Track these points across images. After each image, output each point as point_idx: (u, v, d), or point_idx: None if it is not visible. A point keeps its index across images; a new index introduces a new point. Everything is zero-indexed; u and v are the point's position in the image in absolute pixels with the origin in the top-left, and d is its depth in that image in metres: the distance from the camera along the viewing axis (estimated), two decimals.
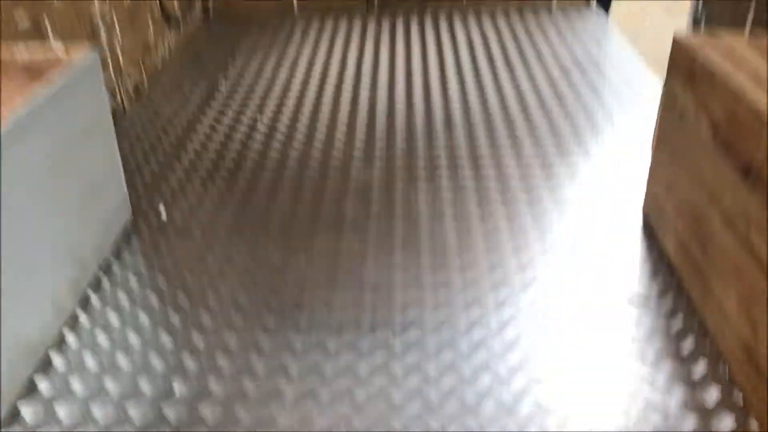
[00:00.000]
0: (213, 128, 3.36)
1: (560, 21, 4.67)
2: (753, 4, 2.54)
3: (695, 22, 3.16)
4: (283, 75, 3.97)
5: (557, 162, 2.95)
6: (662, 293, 2.13)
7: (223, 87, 3.83)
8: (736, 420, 1.71)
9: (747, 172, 1.74)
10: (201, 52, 4.38)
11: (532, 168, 2.91)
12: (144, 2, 3.81)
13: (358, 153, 3.07)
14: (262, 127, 3.36)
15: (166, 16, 4.16)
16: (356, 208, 2.67)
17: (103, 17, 3.29)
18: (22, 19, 2.70)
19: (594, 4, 4.90)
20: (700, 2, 3.09)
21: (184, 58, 4.28)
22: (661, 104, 2.33)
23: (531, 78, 3.81)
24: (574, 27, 4.56)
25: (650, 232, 2.42)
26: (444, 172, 2.90)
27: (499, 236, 2.46)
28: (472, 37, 4.45)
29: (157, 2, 4.03)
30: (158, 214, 2.67)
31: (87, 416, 1.77)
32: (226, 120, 3.44)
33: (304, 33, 4.63)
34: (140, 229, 2.58)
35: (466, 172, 2.90)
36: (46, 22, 2.81)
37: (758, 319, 1.68)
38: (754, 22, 2.58)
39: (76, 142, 2.16)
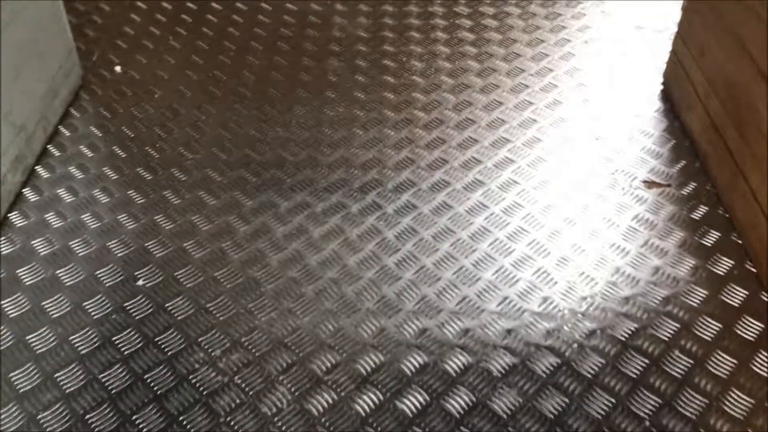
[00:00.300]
0: None
1: None
2: None
3: None
4: None
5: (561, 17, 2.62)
6: (685, 175, 1.92)
7: None
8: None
9: None
10: None
11: (538, 15, 2.58)
12: None
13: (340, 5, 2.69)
14: None
15: None
16: (341, 65, 2.35)
17: None
18: None
19: None
20: None
21: None
22: None
23: None
24: None
25: (670, 102, 2.16)
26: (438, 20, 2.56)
27: (501, 98, 2.19)
28: None
29: None
30: (112, 69, 2.33)
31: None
32: None
33: None
34: (91, 88, 2.25)
35: (464, 21, 2.56)
36: None
37: None
38: None
39: None
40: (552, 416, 1.37)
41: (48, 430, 1.34)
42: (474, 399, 1.40)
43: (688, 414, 1.38)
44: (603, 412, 1.38)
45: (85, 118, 2.12)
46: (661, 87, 2.25)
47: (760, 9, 1.64)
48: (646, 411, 1.38)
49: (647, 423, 1.36)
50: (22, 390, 1.41)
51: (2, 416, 1.36)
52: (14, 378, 1.43)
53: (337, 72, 2.33)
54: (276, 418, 1.37)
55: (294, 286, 1.63)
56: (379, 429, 1.35)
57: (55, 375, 1.43)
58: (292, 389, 1.41)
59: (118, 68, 2.33)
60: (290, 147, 2.02)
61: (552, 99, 2.22)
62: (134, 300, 1.58)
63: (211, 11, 2.63)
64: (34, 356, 1.47)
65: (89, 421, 1.36)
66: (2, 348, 1.48)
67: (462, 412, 1.37)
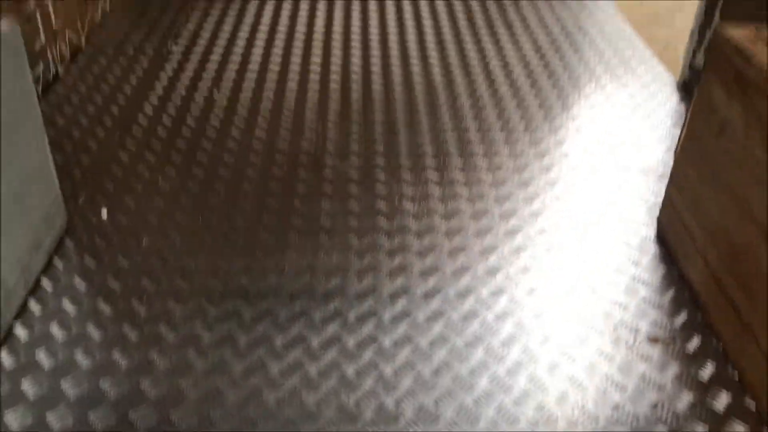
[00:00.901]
0: (162, 103, 2.93)
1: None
2: None
3: (707, 10, 2.84)
4: (243, 34, 3.52)
5: (552, 146, 2.64)
6: (686, 329, 1.87)
7: (174, 50, 3.37)
8: None
9: None
10: (147, 6, 3.87)
11: (526, 155, 2.59)
12: None
13: (331, 145, 2.70)
14: (219, 101, 2.95)
15: None
16: (334, 207, 2.32)
17: None
18: None
19: None
20: None
21: (127, 12, 3.77)
22: (693, 111, 2.02)
23: (516, 46, 3.46)
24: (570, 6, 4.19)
25: (666, 247, 2.15)
26: (430, 161, 2.57)
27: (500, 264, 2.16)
28: (454, 10, 4.05)
29: None
30: (98, 213, 2.28)
31: None
32: (177, 93, 3.01)
33: None
34: (77, 234, 2.19)
35: (455, 159, 2.57)
36: None
37: None
38: None
39: None
40: None
41: None
42: None
43: None
44: None
45: (69, 268, 2.05)
46: (656, 231, 2.24)
47: (760, 172, 1.65)
48: None
49: None
50: None
51: None
52: None
53: (330, 214, 2.30)
54: None
55: (291, 426, 1.52)
56: None
57: None
58: None
59: (104, 213, 2.28)
60: (282, 297, 1.96)
61: (547, 244, 2.19)
62: None
63: (201, 150, 2.62)
64: None
65: None
66: None
67: None
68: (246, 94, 2.99)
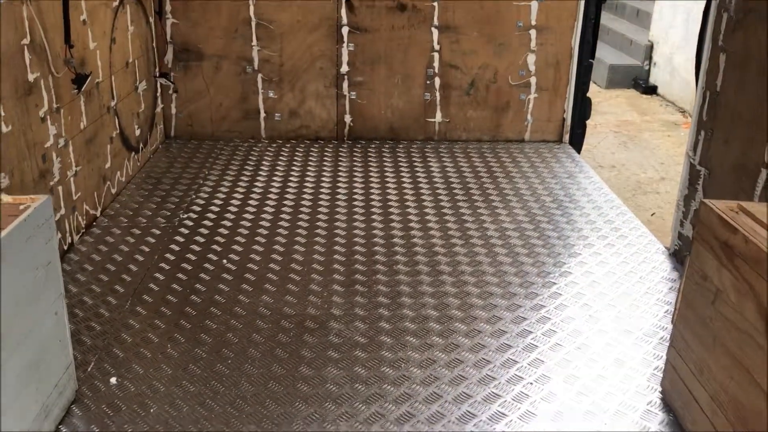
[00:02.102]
0: (173, 270, 3.03)
1: (533, 158, 4.57)
2: (765, 170, 2.41)
3: (691, 182, 3.04)
4: (252, 204, 3.69)
5: (549, 306, 2.70)
6: None
7: (184, 219, 3.52)
8: None
9: None
10: (161, 176, 4.08)
11: (529, 320, 2.65)
12: (104, 126, 3.54)
13: (337, 310, 2.77)
14: (228, 269, 3.05)
15: (125, 141, 3.89)
16: (339, 375, 2.34)
17: (56, 145, 2.99)
18: None
19: (567, 140, 4.84)
20: (698, 158, 2.99)
21: (142, 183, 3.97)
22: (686, 278, 2.12)
23: (512, 214, 3.63)
24: (548, 163, 4.46)
25: (672, 414, 2.16)
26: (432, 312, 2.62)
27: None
28: (446, 170, 4.30)
29: (118, 129, 3.76)
30: (107, 381, 2.29)
31: None
32: (188, 260, 3.12)
33: (274, 160, 4.40)
34: (85, 402, 2.19)
35: (459, 326, 2.62)
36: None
37: None
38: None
39: (17, 308, 1.80)
40: None
41: None
42: None
43: None
44: None
45: None
46: (660, 396, 2.26)
47: (757, 338, 1.71)
48: None
49: None
50: None
51: None
52: None
53: (337, 381, 2.32)
54: None
55: None
56: None
57: None
58: None
59: (113, 380, 2.29)
60: None
61: (552, 414, 2.20)
62: None
63: (210, 317, 2.68)
64: None
65: None
66: None
67: None
68: (253, 264, 3.10)
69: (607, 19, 10.46)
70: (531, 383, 2.33)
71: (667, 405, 2.21)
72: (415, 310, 2.76)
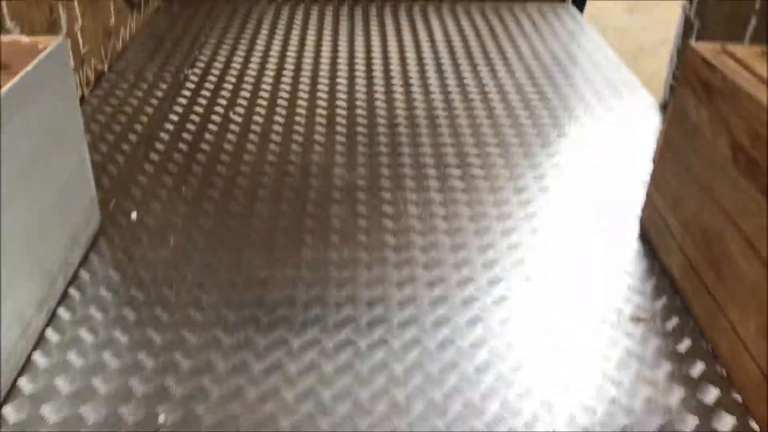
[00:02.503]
0: (182, 122, 3.16)
1: (536, 18, 4.58)
2: (754, 16, 2.48)
3: (685, 34, 3.09)
4: (254, 62, 3.77)
5: (544, 159, 2.86)
6: (667, 313, 2.07)
7: (190, 75, 3.61)
8: None
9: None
10: (164, 35, 4.13)
11: (521, 165, 2.82)
12: None
13: (340, 158, 2.92)
14: (235, 119, 3.17)
15: (128, 1, 3.91)
16: (342, 212, 2.53)
17: (63, 2, 3.05)
18: None
19: (570, 2, 4.82)
20: (693, 9, 3.03)
21: (146, 41, 4.03)
22: (668, 118, 2.25)
23: (511, 72, 3.71)
24: (550, 24, 4.48)
25: (648, 244, 2.35)
26: (430, 170, 2.79)
27: (492, 237, 2.36)
28: (448, 31, 4.32)
29: None
30: (128, 216, 2.48)
31: None
32: (195, 113, 3.24)
33: (275, 19, 4.42)
34: (110, 234, 2.39)
35: (454, 170, 2.79)
36: (3, 9, 2.56)
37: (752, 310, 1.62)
38: (753, 38, 2.52)
39: (43, 143, 1.95)
40: None
41: None
42: None
43: None
44: None
45: (104, 262, 2.24)
46: (639, 230, 2.45)
47: (724, 165, 1.87)
48: None
49: None
50: None
51: None
52: None
53: (339, 216, 2.51)
54: None
55: (308, 420, 1.69)
56: None
57: None
58: None
59: (134, 215, 2.48)
60: (299, 288, 2.15)
61: (541, 243, 2.40)
62: None
63: (220, 163, 2.84)
64: None
65: None
66: None
67: None
68: (258, 117, 3.22)
69: None
70: (520, 220, 2.51)
71: (644, 237, 2.40)
72: (414, 157, 2.91)
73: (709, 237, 1.94)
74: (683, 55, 2.15)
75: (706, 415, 1.74)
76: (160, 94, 3.41)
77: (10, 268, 1.75)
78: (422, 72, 3.74)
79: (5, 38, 2.05)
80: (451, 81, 3.63)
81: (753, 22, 2.50)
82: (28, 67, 1.88)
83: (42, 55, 1.95)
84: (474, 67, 3.81)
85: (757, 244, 1.72)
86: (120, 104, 3.29)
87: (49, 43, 2.02)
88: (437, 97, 3.46)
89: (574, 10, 4.74)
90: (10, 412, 1.71)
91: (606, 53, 4.04)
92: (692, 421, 1.73)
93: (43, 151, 1.94)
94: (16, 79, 1.79)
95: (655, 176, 2.33)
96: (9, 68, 1.87)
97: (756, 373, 1.72)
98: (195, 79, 3.57)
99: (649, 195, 2.38)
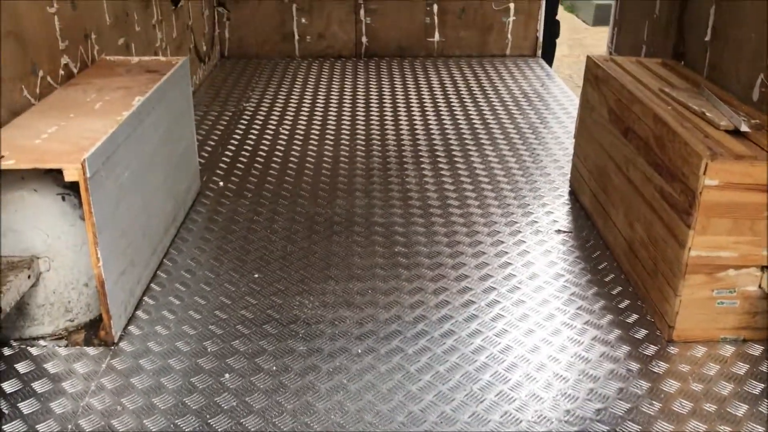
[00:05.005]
0: (243, 137, 4.31)
1: (512, 67, 5.76)
2: (644, 45, 3.65)
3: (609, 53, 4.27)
4: (292, 105, 4.94)
5: (511, 160, 3.95)
6: (579, 226, 3.13)
7: (241, 116, 4.79)
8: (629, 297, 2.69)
9: (626, 132, 2.76)
10: (221, 87, 5.33)
11: (494, 166, 3.91)
12: (186, 39, 4.78)
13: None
14: (273, 166, 4.32)
15: (198, 53, 5.14)
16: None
17: (161, 45, 4.26)
18: (120, 41, 3.65)
19: (539, 54, 6.03)
20: (614, 40, 4.20)
21: (208, 87, 5.24)
22: (580, 104, 3.38)
23: (491, 106, 4.85)
24: (525, 69, 5.66)
25: (573, 194, 3.43)
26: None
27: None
28: (442, 79, 5.50)
29: (193, 43, 5.01)
30: (216, 184, 3.59)
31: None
32: (250, 134, 4.40)
33: (306, 73, 5.63)
34: (207, 194, 3.49)
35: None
36: (132, 45, 3.76)
37: (633, 221, 2.67)
38: (647, 54, 3.68)
39: (174, 121, 3.09)
40: None
41: None
42: None
43: None
44: None
45: (204, 215, 3.33)
46: (569, 187, 3.52)
47: (605, 124, 2.98)
48: None
49: None
50: None
51: None
52: None
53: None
54: None
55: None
56: None
57: None
58: None
59: (221, 183, 3.59)
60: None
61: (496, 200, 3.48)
62: None
63: (272, 168, 3.96)
64: None
65: None
66: None
67: None
68: (292, 163, 4.36)
69: None
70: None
71: (572, 192, 3.47)
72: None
73: (600, 171, 3.03)
74: (587, 67, 3.29)
75: (603, 286, 2.78)
76: (225, 119, 4.58)
77: (156, 206, 2.85)
78: (424, 118, 4.66)
79: (155, 58, 3.22)
80: (448, 124, 4.65)
81: (644, 48, 3.66)
82: (168, 73, 3.03)
83: (175, 66, 3.12)
84: (465, 108, 4.87)
85: (622, 166, 2.81)
86: (198, 123, 4.46)
87: (179, 61, 3.19)
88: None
89: (542, 62, 5.94)
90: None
91: (568, 93, 5.19)
92: (592, 289, 2.76)
93: (173, 127, 3.08)
94: (161, 80, 2.93)
95: (575, 146, 3.44)
96: (158, 72, 3.02)
97: (623, 242, 2.77)
98: (242, 126, 4.74)
99: (573, 161, 3.47)
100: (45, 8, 2.77)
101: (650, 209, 2.52)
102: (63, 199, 2.28)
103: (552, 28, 6.04)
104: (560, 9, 6.05)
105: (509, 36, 5.98)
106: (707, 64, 3.00)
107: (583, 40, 9.82)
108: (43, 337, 2.36)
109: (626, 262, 2.76)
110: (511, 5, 5.86)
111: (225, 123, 4.48)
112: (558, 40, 6.36)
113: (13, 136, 2.31)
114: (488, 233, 3.09)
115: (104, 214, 2.27)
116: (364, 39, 5.96)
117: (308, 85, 5.30)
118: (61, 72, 2.90)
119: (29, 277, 2.22)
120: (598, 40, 9.47)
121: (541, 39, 6.00)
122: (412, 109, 4.87)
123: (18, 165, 2.13)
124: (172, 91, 3.05)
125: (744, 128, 2.36)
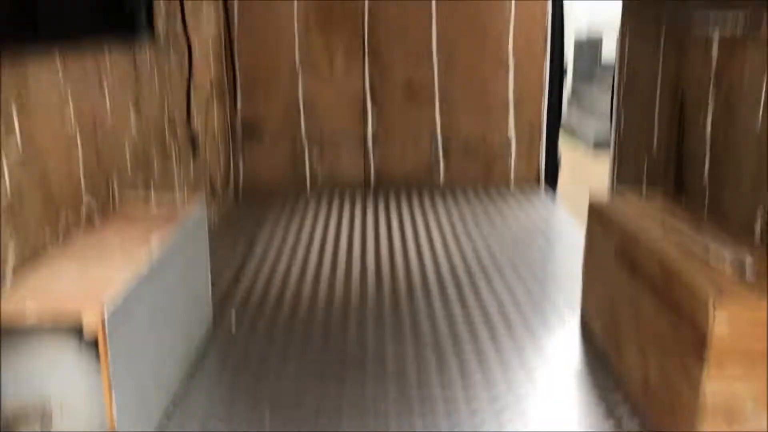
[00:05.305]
0: (253, 279, 4.39)
1: (518, 196, 5.92)
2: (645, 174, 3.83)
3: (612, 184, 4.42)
4: (303, 240, 5.05)
5: (523, 297, 3.99)
6: (595, 359, 3.13)
7: (254, 252, 4.89)
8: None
9: (634, 270, 2.81)
10: (235, 224, 5.47)
11: (505, 301, 3.94)
12: (203, 177, 4.99)
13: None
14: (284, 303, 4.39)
15: (213, 191, 5.33)
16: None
17: (179, 184, 4.44)
18: (137, 189, 3.80)
19: (542, 184, 6.21)
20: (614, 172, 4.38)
21: (223, 226, 5.38)
22: (585, 242, 3.46)
23: (487, 241, 4.91)
24: (529, 199, 5.82)
25: (585, 324, 3.44)
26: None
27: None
28: (449, 209, 5.64)
29: (209, 180, 5.21)
30: (229, 326, 3.62)
31: None
32: (259, 278, 4.48)
33: (317, 207, 5.79)
34: (216, 335, 3.52)
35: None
36: (152, 186, 3.92)
37: (648, 353, 2.66)
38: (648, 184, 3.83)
39: (190, 264, 3.17)
40: None
41: None
42: None
43: None
44: None
45: (214, 352, 3.35)
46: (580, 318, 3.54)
47: (611, 261, 3.04)
48: None
49: None
50: None
51: None
52: None
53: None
54: None
55: None
56: None
57: None
58: None
59: (233, 327, 3.63)
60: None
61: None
62: None
63: (286, 306, 4.02)
64: None
65: None
66: None
67: None
68: (305, 299, 4.43)
69: (593, 91, 11.97)
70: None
71: (583, 320, 3.49)
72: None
73: (610, 307, 3.06)
74: (590, 204, 3.40)
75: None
76: (236, 263, 4.67)
77: (170, 346, 2.89)
78: (432, 251, 4.74)
79: (172, 203, 3.35)
80: (456, 258, 4.67)
81: (645, 186, 3.82)
82: (188, 215, 3.15)
83: (195, 210, 3.24)
84: (472, 241, 4.93)
85: (629, 303, 2.84)
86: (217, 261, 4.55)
87: (196, 205, 3.32)
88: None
89: (543, 193, 6.10)
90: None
91: (572, 222, 5.30)
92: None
93: (189, 268, 3.16)
94: (180, 229, 3.04)
95: (583, 282, 3.49)
96: (175, 219, 3.14)
97: (639, 376, 2.75)
98: (257, 256, 4.85)
99: (582, 295, 3.51)
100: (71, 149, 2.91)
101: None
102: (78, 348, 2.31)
103: (553, 161, 6.25)
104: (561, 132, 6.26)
105: (512, 169, 6.17)
106: (707, 196, 3.11)
107: (586, 168, 10.11)
108: None
109: (641, 395, 2.73)
110: (513, 141, 6.10)
111: (238, 262, 4.57)
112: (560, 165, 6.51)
113: (28, 285, 2.37)
114: (501, 371, 3.09)
115: (120, 366, 2.30)
116: (372, 175, 6.19)
117: (318, 222, 5.43)
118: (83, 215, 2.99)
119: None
120: (600, 163, 9.76)
121: (543, 172, 6.20)
122: (420, 246, 4.85)
123: (39, 324, 2.17)
124: (189, 240, 3.15)
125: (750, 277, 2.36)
